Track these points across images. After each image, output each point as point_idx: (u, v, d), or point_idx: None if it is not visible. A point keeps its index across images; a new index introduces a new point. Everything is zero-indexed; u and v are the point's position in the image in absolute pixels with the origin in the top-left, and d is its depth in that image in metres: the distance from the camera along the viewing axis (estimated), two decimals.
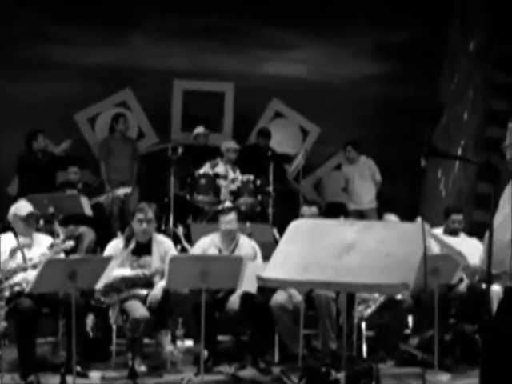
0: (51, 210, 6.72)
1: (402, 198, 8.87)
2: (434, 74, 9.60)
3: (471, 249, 5.17)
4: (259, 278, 2.68)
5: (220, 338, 6.22)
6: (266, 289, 5.80)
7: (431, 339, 5.73)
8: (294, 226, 2.97)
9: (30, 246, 5.62)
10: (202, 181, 7.90)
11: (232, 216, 6.11)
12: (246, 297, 5.81)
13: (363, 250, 2.65)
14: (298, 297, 5.92)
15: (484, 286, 5.24)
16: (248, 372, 5.72)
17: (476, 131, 9.14)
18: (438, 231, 6.53)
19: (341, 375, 2.76)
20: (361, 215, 8.66)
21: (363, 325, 6.00)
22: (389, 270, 2.50)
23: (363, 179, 8.86)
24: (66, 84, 8.99)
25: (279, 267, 2.65)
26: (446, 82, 9.68)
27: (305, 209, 6.54)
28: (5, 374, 5.20)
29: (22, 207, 5.70)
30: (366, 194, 8.86)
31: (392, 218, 6.38)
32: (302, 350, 5.80)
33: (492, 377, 2.74)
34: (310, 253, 2.71)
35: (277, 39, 9.65)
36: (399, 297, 6.01)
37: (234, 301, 5.82)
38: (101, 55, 9.14)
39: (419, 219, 2.80)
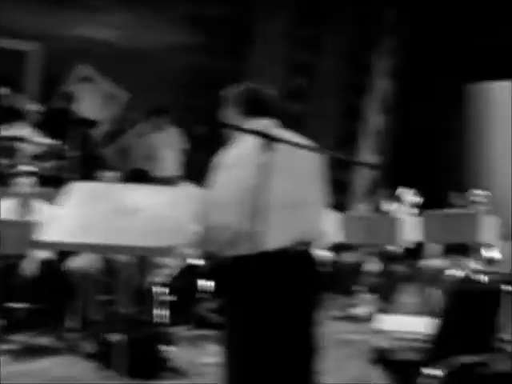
0: None
1: (205, 167, 9.04)
2: (242, 49, 9.85)
3: None
4: (31, 242, 2.67)
5: (15, 305, 6.07)
6: (66, 254, 5.75)
7: None
8: (72, 188, 2.98)
9: None
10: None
11: (29, 180, 5.98)
12: (43, 262, 5.73)
13: (138, 214, 2.72)
14: (97, 262, 5.92)
15: None
16: (44, 340, 5.65)
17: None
18: None
19: (115, 337, 2.82)
20: (165, 183, 8.74)
21: (158, 289, 6.09)
22: (160, 233, 2.60)
23: (169, 147, 8.95)
24: None
25: (53, 229, 2.66)
26: (253, 58, 9.97)
27: (105, 174, 6.55)
28: None
29: None
30: (170, 161, 8.97)
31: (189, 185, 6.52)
32: (100, 316, 5.82)
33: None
34: (86, 215, 2.73)
35: (86, 1, 9.42)
36: (195, 262, 6.18)
37: (28, 266, 5.70)
38: None
39: None
